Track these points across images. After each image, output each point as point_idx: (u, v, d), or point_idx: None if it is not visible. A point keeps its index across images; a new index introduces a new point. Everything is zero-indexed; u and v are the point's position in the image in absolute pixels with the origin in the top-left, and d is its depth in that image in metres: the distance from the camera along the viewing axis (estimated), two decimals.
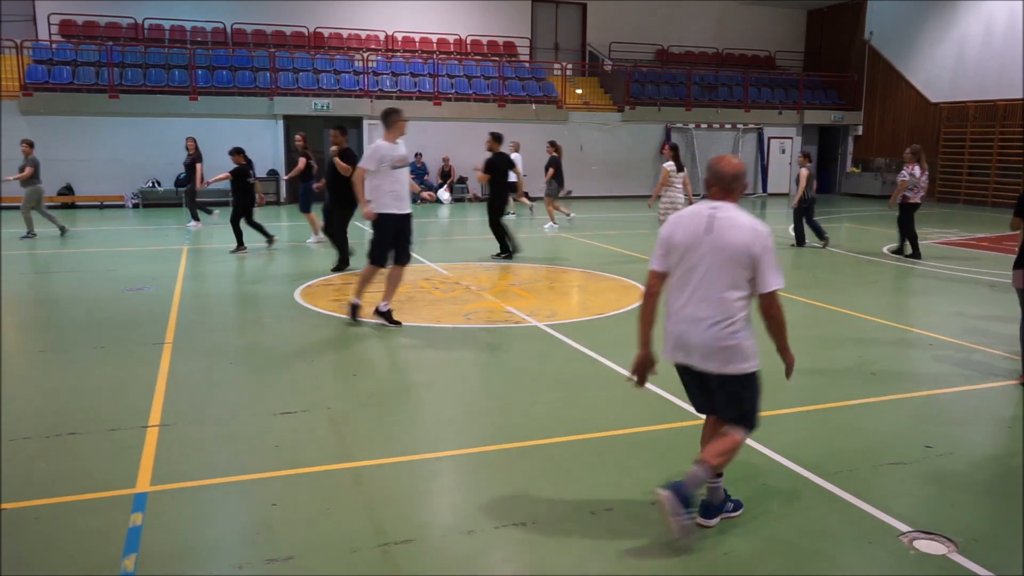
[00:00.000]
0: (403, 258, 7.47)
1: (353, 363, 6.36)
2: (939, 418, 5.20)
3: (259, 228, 12.24)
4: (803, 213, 13.13)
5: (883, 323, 7.82)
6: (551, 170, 15.81)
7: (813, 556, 3.42)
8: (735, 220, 3.40)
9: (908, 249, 12.06)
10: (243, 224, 12.00)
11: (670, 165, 11.43)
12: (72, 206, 19.20)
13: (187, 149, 15.19)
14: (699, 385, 3.64)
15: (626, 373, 6.02)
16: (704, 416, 3.87)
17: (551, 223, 15.59)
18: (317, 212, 12.51)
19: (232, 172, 11.99)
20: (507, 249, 11.70)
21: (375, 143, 7.31)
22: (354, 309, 7.48)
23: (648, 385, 5.73)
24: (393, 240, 7.32)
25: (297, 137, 13.49)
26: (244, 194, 11.94)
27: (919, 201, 11.79)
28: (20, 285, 9.38)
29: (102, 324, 7.56)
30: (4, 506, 3.76)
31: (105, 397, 5.45)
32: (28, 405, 5.32)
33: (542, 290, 9.37)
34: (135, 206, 19.59)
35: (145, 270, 10.35)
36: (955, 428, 5.02)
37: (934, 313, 8.66)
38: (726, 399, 3.55)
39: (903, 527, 3.63)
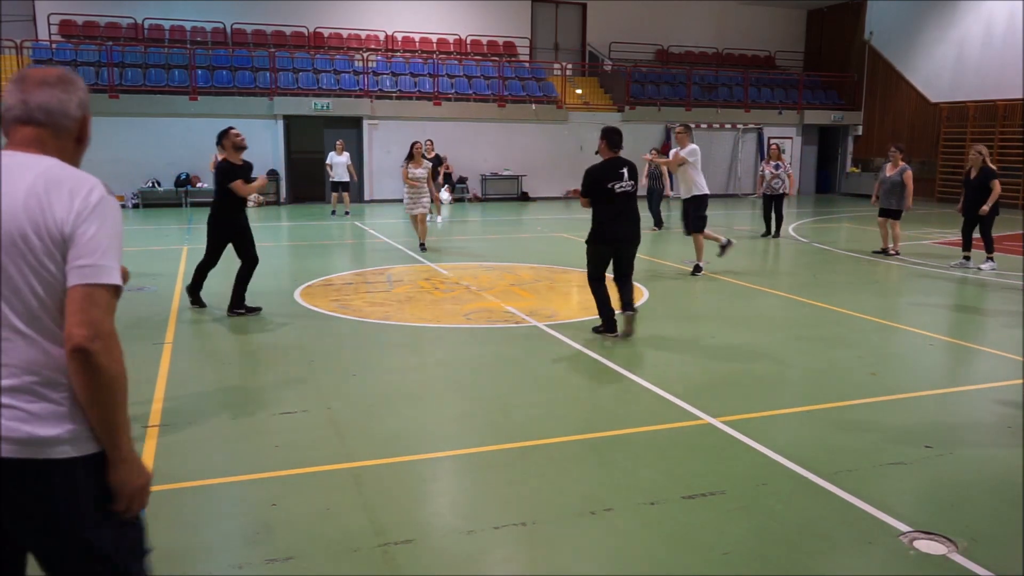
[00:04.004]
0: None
1: (353, 363, 6.36)
2: (939, 418, 5.20)
3: None
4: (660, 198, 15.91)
5: (883, 323, 7.83)
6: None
7: (813, 556, 3.42)
8: None
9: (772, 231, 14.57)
10: None
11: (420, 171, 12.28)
12: None
13: None
14: None
15: (626, 373, 6.04)
16: None
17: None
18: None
19: None
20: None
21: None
22: None
23: (648, 385, 5.75)
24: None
25: None
26: None
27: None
28: None
29: None
30: None
31: None
32: None
33: (542, 290, 9.37)
34: (135, 206, 19.59)
35: (145, 270, 10.35)
36: (955, 428, 5.02)
37: (934, 313, 8.66)
38: None
39: (903, 527, 3.63)
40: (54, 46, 20.22)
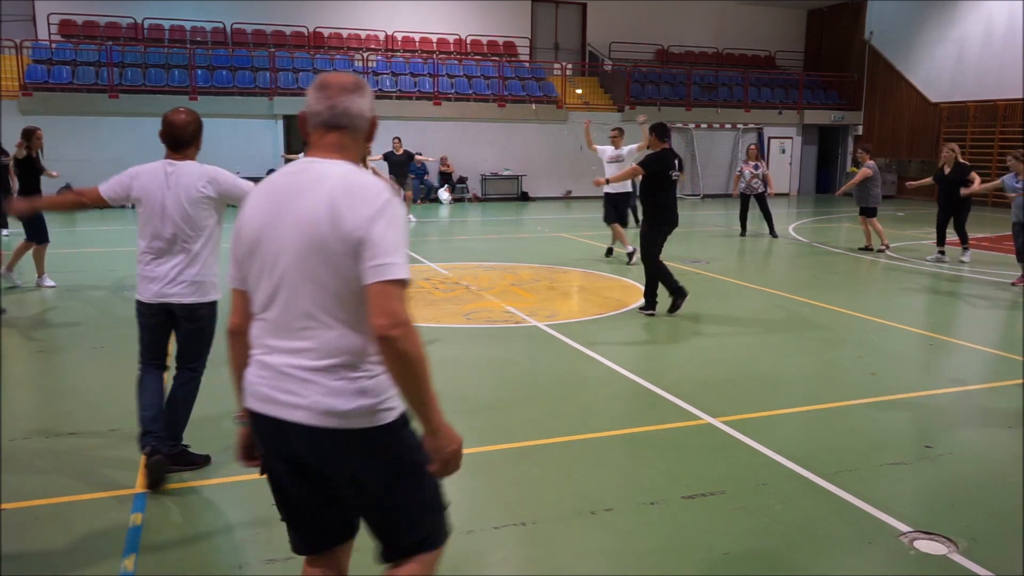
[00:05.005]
0: None
1: None
2: (939, 418, 5.20)
3: None
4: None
5: (883, 323, 7.82)
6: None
7: (813, 556, 3.42)
8: None
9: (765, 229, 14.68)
10: None
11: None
12: None
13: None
14: None
15: (626, 373, 6.04)
16: None
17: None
18: None
19: None
20: None
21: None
22: None
23: (648, 385, 5.75)
24: None
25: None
26: None
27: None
28: (20, 285, 9.37)
29: (102, 324, 7.56)
30: (4, 506, 3.76)
31: (105, 397, 5.45)
32: (28, 405, 5.32)
33: (542, 290, 9.37)
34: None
35: None
36: (955, 428, 5.02)
37: (934, 313, 8.66)
38: None
39: (903, 527, 3.63)
40: (54, 46, 20.21)
